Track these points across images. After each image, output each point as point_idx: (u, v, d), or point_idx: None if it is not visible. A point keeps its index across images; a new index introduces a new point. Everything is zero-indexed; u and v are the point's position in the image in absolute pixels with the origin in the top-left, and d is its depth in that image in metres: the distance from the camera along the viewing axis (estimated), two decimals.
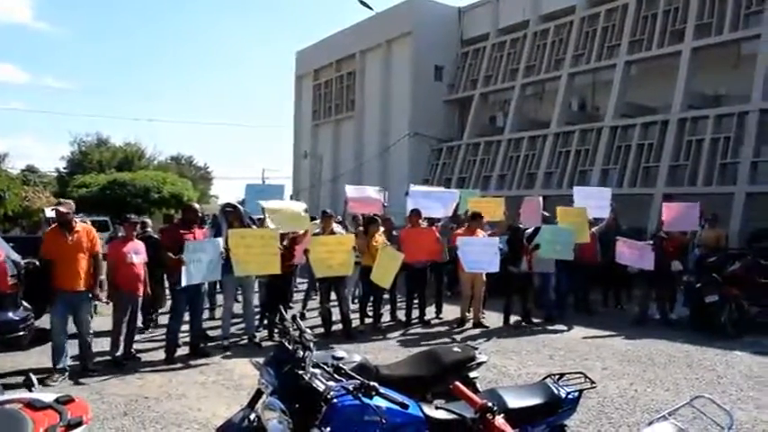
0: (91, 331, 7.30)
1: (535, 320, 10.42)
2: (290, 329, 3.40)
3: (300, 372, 3.10)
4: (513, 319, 10.40)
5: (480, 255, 9.91)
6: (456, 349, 4.43)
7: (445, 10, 25.01)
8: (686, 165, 16.08)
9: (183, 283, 7.64)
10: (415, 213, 10.59)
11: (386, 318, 10.61)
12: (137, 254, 7.75)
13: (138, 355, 7.94)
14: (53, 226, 7.41)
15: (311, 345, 3.26)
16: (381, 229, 10.36)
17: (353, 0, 26.55)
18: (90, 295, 7.20)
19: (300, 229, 9.33)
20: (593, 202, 11.35)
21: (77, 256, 6.97)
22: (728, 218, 14.13)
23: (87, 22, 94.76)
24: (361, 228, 10.70)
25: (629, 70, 18.74)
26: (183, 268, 7.59)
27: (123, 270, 7.59)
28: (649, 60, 18.30)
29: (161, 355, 8.00)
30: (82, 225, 7.24)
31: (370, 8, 25.53)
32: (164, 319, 9.08)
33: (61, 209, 7.10)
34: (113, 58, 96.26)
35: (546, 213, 11.29)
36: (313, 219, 10.41)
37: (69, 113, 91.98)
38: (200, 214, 8.87)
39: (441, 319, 10.79)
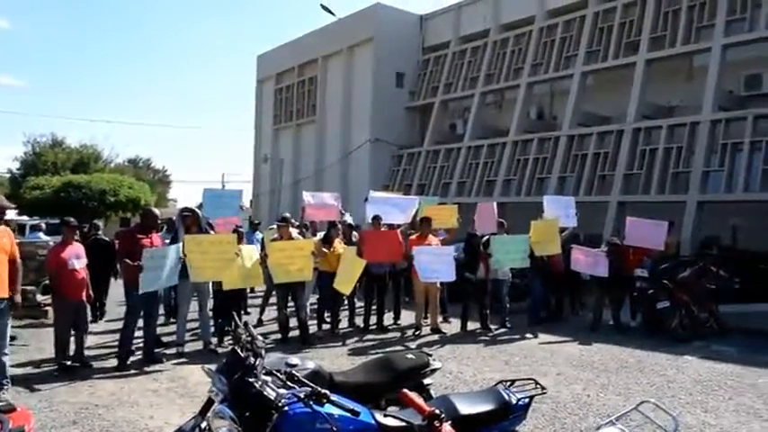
0: (6, 351, 6.43)
1: (492, 326, 10.52)
2: (242, 336, 3.37)
3: (251, 379, 3.07)
4: (471, 325, 10.50)
5: (436, 264, 9.98)
6: (410, 356, 4.44)
7: (407, 17, 25.13)
8: (640, 173, 16.42)
9: (141, 290, 7.51)
10: (377, 219, 10.65)
11: (344, 324, 10.61)
12: (78, 258, 7.56)
13: (89, 362, 7.76)
14: None
15: (263, 352, 3.24)
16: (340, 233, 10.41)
17: (316, 5, 26.37)
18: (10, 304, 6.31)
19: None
20: (562, 211, 11.48)
21: None
22: (680, 225, 14.47)
23: (47, 20, 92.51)
24: (319, 234, 10.69)
25: (586, 80, 19.09)
26: (141, 275, 7.46)
27: (66, 277, 7.41)
28: (605, 71, 18.67)
29: (113, 361, 7.85)
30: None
31: (333, 14, 25.54)
32: (114, 324, 8.93)
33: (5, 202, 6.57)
34: (72, 57, 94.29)
35: (501, 220, 11.41)
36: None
37: (23, 113, 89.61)
38: (159, 220, 8.69)
39: (399, 325, 10.83)
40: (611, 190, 16.82)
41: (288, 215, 10.40)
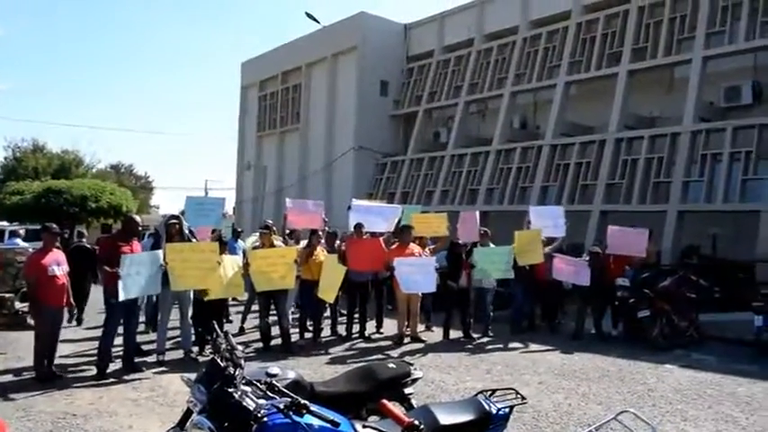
0: None
1: (474, 335, 10.53)
2: (222, 346, 3.35)
3: (231, 389, 3.06)
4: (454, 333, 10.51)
5: (417, 274, 9.98)
6: (391, 365, 4.44)
7: (391, 26, 25.20)
8: (622, 183, 16.56)
9: (121, 298, 7.44)
10: (359, 227, 10.64)
11: (326, 332, 10.57)
12: (59, 265, 7.47)
13: (60, 374, 7.59)
14: None
15: (242, 362, 3.22)
16: (322, 241, 10.40)
17: (301, 13, 26.58)
18: None
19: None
20: (550, 221, 11.51)
21: None
22: (661, 235, 14.60)
23: (26, 22, 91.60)
24: (302, 242, 10.64)
25: (569, 90, 19.21)
26: (120, 282, 7.39)
27: (46, 284, 7.31)
28: (588, 81, 18.81)
29: (92, 370, 7.76)
30: None
31: (318, 22, 25.59)
32: (93, 332, 8.83)
33: None
34: (53, 60, 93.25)
35: (485, 229, 11.45)
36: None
37: (4, 117, 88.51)
38: (140, 227, 8.60)
39: (381, 333, 10.80)
40: (593, 199, 16.93)
41: (270, 222, 10.35)
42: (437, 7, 24.44)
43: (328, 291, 9.68)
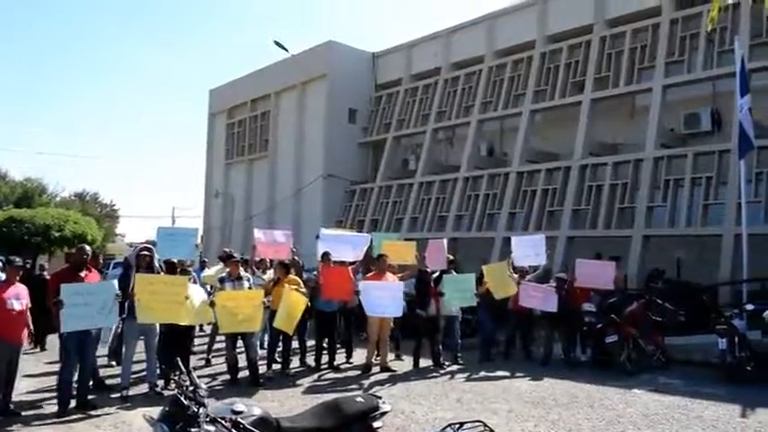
0: None
1: (444, 363, 10.50)
2: (185, 385, 3.29)
3: (194, 429, 3.00)
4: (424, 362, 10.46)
5: (383, 299, 9.94)
6: (359, 399, 4.38)
7: (360, 54, 25.44)
8: (587, 209, 16.82)
9: (62, 329, 7.25)
10: (326, 255, 10.60)
11: (295, 363, 10.44)
12: (18, 299, 7.26)
13: (18, 410, 7.34)
14: None
15: (205, 400, 3.17)
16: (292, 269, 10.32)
17: (269, 41, 26.62)
18: None
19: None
20: (531, 250, 11.61)
21: None
22: (627, 259, 14.81)
23: None
24: (269, 272, 10.55)
25: (534, 118, 19.56)
26: (62, 312, 7.17)
27: (4, 318, 7.09)
28: (552, 109, 19.17)
29: (53, 406, 7.53)
30: None
31: (286, 50, 25.65)
32: (55, 367, 8.60)
33: None
34: (17, 86, 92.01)
35: (450, 256, 11.50)
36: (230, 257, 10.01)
37: None
38: (87, 256, 8.07)
39: (351, 363, 10.71)
40: (559, 225, 17.14)
41: (229, 251, 10.19)
42: (405, 36, 24.70)
43: (286, 320, 9.46)
